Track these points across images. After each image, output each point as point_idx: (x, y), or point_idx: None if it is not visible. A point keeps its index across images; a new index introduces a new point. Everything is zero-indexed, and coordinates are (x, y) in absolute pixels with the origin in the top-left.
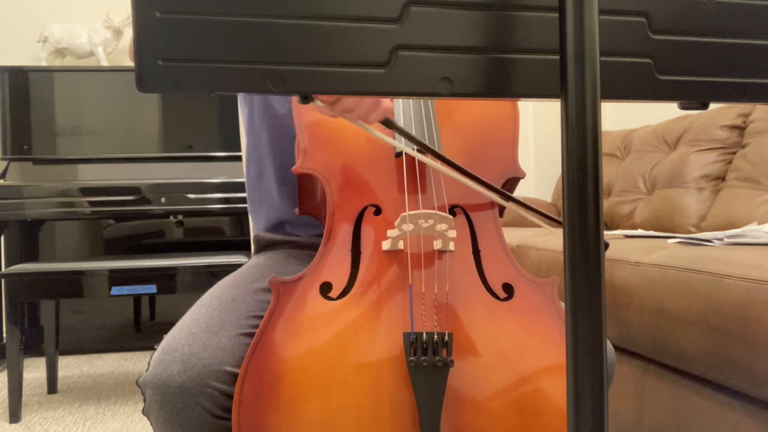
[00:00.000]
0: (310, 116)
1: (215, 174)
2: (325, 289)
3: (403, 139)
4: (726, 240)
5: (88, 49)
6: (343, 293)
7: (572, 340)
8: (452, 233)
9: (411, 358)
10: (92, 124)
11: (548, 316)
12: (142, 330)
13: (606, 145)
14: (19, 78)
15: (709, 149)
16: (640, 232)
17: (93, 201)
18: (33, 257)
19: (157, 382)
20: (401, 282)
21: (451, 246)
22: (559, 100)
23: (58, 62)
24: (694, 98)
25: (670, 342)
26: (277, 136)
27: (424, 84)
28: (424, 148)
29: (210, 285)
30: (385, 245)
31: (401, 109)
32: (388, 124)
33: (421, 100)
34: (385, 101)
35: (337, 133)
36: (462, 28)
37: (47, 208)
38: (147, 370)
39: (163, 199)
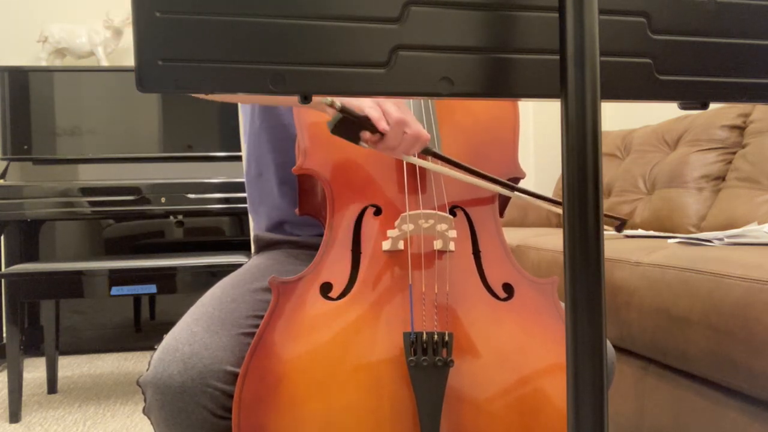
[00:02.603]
0: (310, 117)
1: (215, 174)
2: (326, 289)
3: None
4: (726, 240)
5: (88, 49)
6: (344, 293)
7: (572, 340)
8: (452, 233)
9: (411, 358)
10: (92, 124)
11: (548, 316)
12: (142, 330)
13: (606, 145)
14: (19, 78)
15: (709, 149)
16: (640, 232)
17: (93, 201)
18: (33, 257)
19: (158, 381)
20: (401, 282)
21: (452, 246)
22: (559, 100)
23: (58, 62)
24: (694, 98)
25: (670, 342)
26: (277, 135)
27: (424, 84)
28: (467, 171)
29: (210, 285)
30: (386, 245)
31: None
32: (427, 152)
33: (422, 101)
34: (425, 133)
35: None
36: (462, 28)
37: (47, 208)
38: (147, 370)
39: (163, 199)
